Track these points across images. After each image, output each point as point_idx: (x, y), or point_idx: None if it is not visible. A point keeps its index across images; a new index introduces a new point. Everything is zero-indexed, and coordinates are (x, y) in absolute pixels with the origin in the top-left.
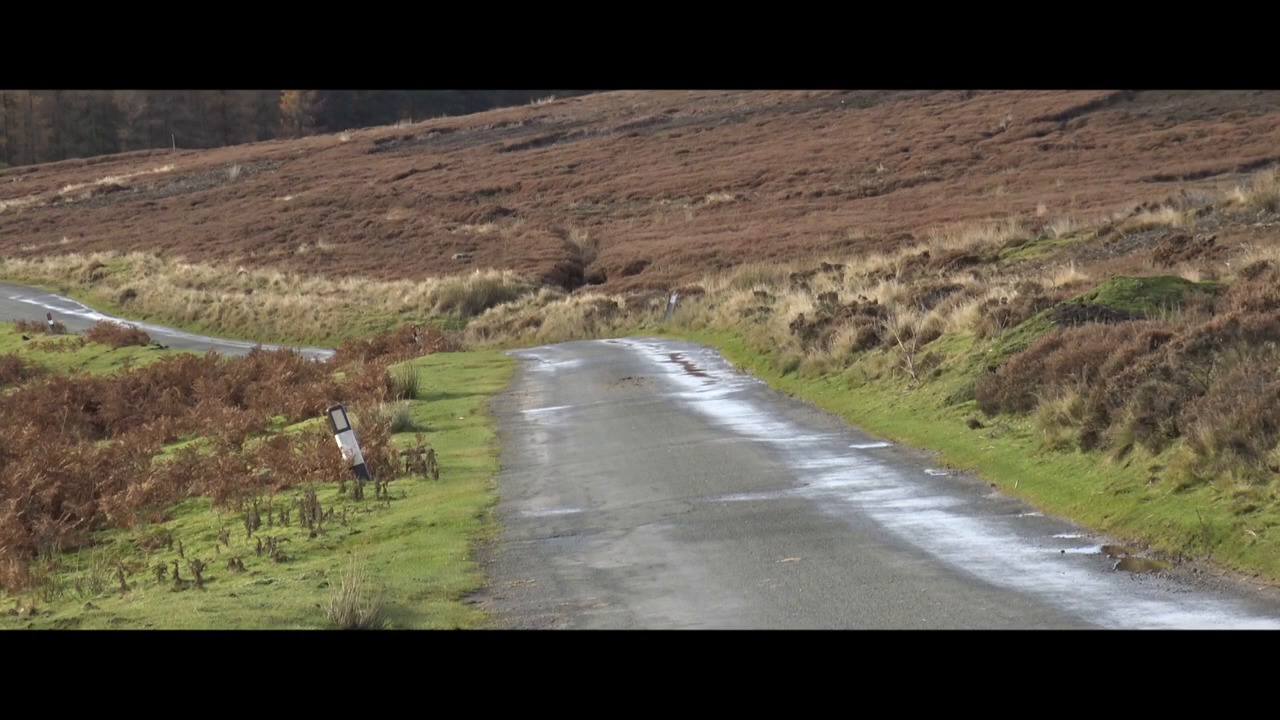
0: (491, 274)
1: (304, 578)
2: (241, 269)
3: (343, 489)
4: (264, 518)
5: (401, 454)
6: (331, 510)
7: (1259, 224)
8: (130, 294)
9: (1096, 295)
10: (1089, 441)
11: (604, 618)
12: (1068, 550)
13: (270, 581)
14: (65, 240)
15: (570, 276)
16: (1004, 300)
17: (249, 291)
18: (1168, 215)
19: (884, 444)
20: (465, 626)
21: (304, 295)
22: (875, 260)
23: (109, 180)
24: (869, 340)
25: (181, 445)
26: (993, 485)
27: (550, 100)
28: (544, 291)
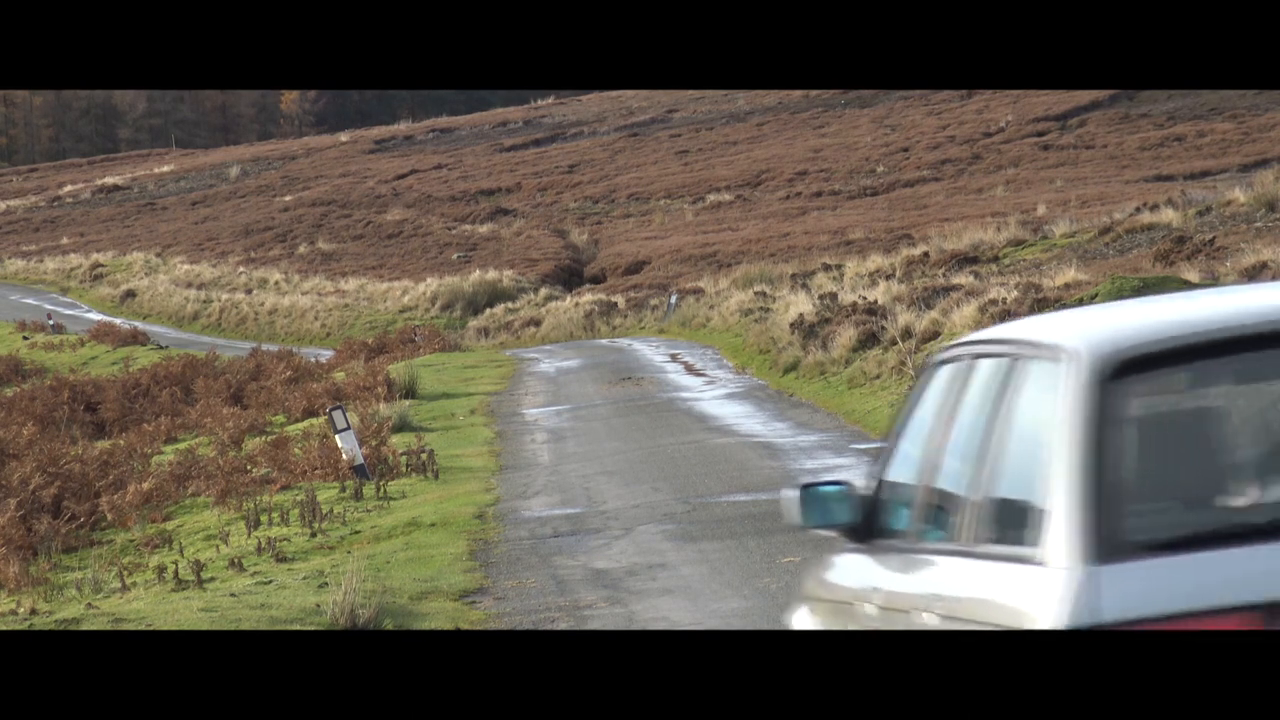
0: (491, 274)
1: (304, 578)
2: (241, 269)
3: (343, 489)
4: (264, 518)
5: (401, 454)
6: (331, 510)
7: (1259, 224)
8: (130, 294)
9: (1096, 295)
10: None
11: (604, 617)
12: None
13: (270, 581)
14: (65, 240)
15: (570, 276)
16: (1004, 300)
17: (249, 291)
18: (1168, 215)
19: (884, 444)
20: (465, 626)
21: (304, 295)
22: (875, 260)
23: (109, 180)
24: (869, 340)
25: (181, 445)
26: None
27: (550, 100)
28: (544, 291)
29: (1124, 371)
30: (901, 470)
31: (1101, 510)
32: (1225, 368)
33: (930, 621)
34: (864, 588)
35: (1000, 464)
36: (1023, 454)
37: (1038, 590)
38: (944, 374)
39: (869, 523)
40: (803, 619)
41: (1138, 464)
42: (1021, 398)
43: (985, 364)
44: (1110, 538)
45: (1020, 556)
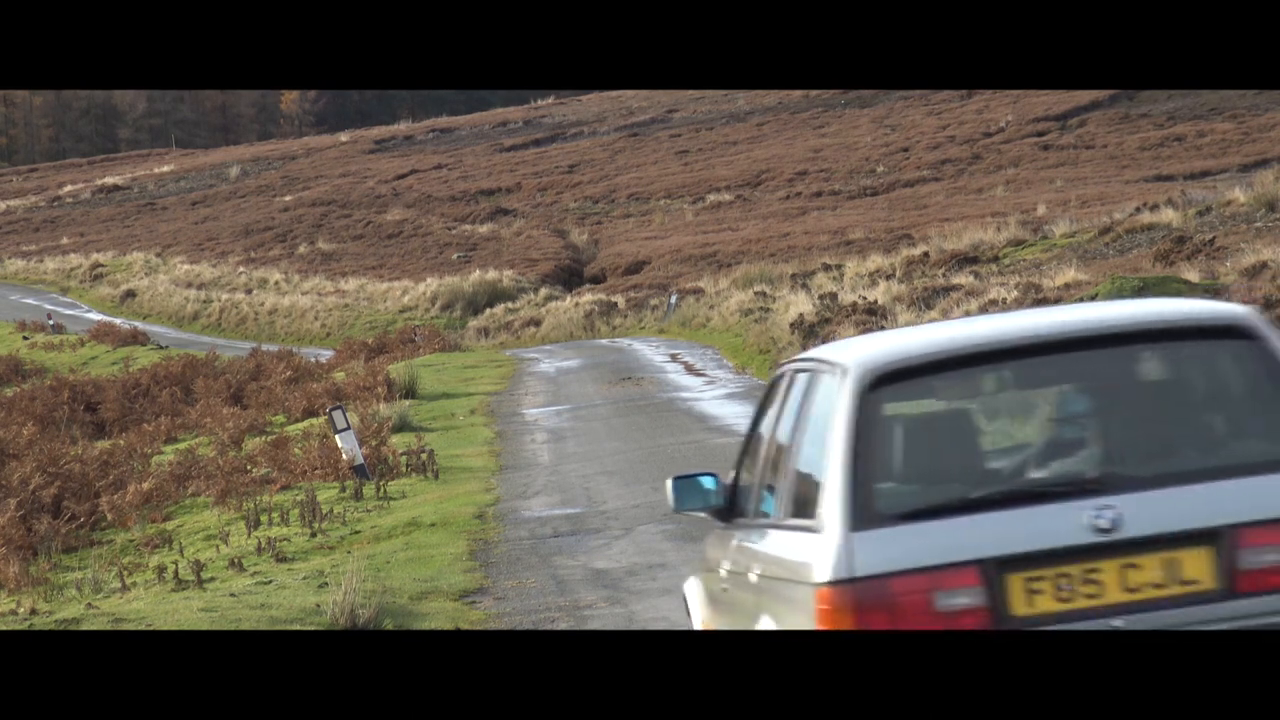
0: (491, 274)
1: (304, 578)
2: (241, 269)
3: (343, 489)
4: (264, 518)
5: (401, 454)
6: (331, 510)
7: (1259, 224)
8: (130, 294)
9: (1096, 295)
10: None
11: (604, 618)
12: None
13: (270, 581)
14: (65, 240)
15: (570, 276)
16: (1004, 300)
17: (249, 291)
18: (1168, 215)
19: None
20: (465, 626)
21: (304, 295)
22: (875, 260)
23: (109, 180)
24: None
25: (181, 445)
26: None
27: (550, 100)
28: (544, 291)
29: (879, 383)
30: (750, 463)
31: (858, 490)
32: (959, 379)
33: (754, 579)
34: (721, 556)
35: (800, 456)
36: (813, 447)
37: (815, 551)
38: (780, 386)
39: (730, 505)
40: (692, 586)
41: (891, 453)
42: (816, 404)
43: (800, 378)
44: (864, 510)
45: (808, 526)
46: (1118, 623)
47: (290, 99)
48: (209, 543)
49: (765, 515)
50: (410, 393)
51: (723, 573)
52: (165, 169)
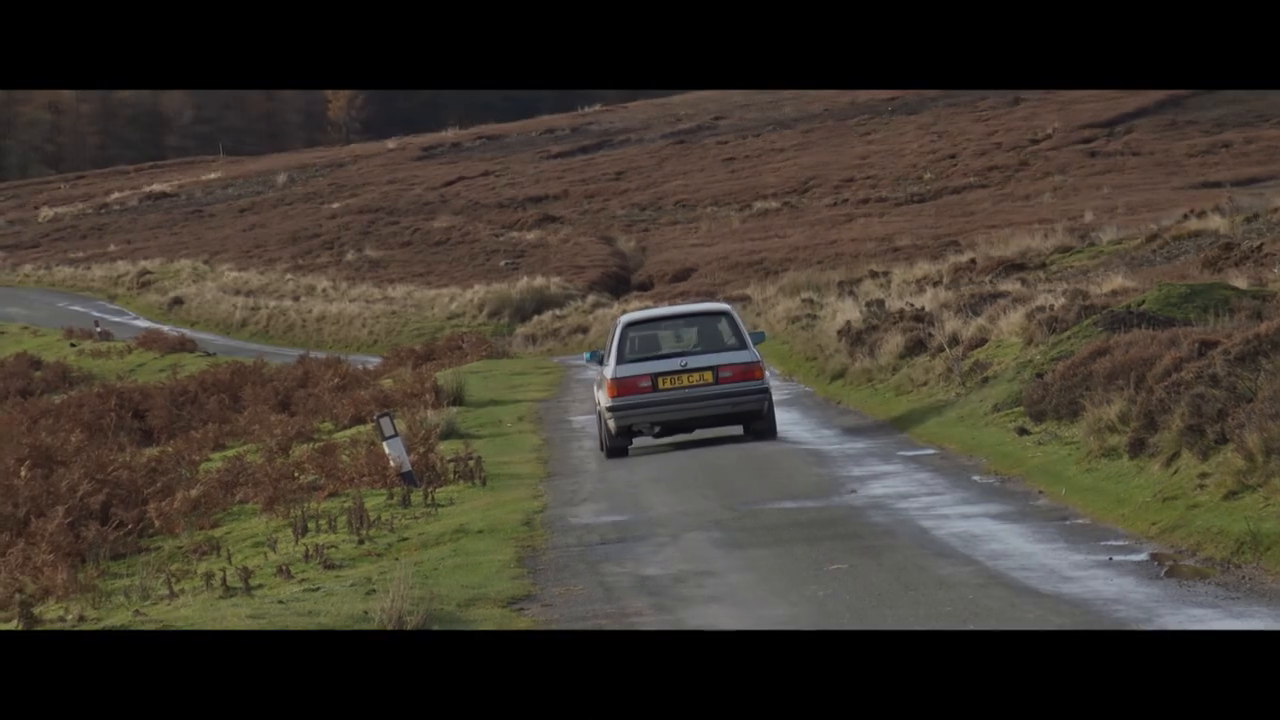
0: (539, 281)
1: (352, 585)
2: (289, 276)
3: (390, 496)
4: (312, 525)
5: (449, 461)
6: (379, 517)
7: None
8: (178, 301)
9: (1144, 302)
10: (1137, 448)
11: (651, 625)
12: (1115, 557)
13: (318, 589)
14: (113, 247)
15: (617, 284)
16: (1051, 307)
17: (296, 299)
18: (1215, 222)
19: (931, 451)
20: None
21: (351, 302)
22: (922, 267)
23: (156, 187)
24: (916, 347)
25: (229, 452)
26: (1040, 492)
27: (597, 107)
28: (591, 298)
29: (629, 327)
30: (604, 348)
31: (620, 354)
32: (655, 326)
33: (598, 379)
34: (596, 376)
35: (610, 346)
36: (610, 342)
37: (608, 370)
38: (611, 326)
39: (601, 360)
40: (593, 389)
41: (630, 345)
42: (614, 331)
43: (615, 323)
44: (620, 360)
45: (606, 365)
46: (688, 391)
47: (337, 106)
48: (257, 550)
49: (603, 363)
50: (458, 400)
51: (596, 378)
52: (213, 176)
